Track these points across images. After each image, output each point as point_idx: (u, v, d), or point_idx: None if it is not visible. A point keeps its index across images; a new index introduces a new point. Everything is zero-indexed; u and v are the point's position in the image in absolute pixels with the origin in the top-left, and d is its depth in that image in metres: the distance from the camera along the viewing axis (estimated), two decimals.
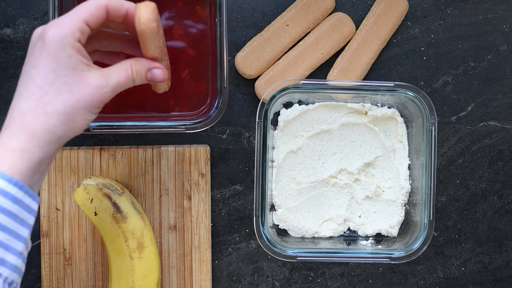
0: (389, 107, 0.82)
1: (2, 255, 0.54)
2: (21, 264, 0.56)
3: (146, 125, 0.76)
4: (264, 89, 0.80)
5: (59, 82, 0.57)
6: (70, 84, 0.57)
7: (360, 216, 0.82)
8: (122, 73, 0.60)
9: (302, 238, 0.81)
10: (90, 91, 0.58)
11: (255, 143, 0.78)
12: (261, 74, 0.82)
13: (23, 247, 0.56)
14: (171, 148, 0.81)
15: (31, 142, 0.56)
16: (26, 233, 0.56)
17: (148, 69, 0.63)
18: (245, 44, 0.82)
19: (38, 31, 0.59)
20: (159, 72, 0.63)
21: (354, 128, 0.82)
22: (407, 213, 0.81)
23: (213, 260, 0.83)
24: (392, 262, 0.77)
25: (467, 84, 0.84)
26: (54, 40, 0.57)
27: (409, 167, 0.81)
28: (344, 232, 0.83)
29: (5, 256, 0.54)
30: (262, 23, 0.83)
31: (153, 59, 0.63)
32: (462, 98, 0.84)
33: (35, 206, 0.57)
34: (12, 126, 0.57)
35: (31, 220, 0.57)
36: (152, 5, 0.59)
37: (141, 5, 0.59)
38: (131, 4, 0.61)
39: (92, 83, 0.58)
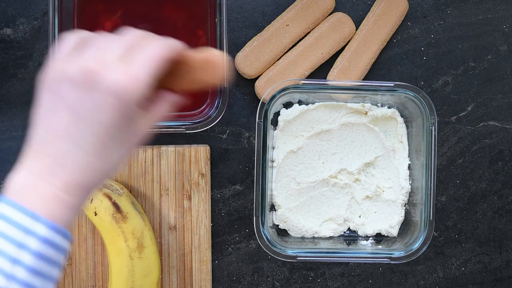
0: (389, 107, 0.82)
1: None
2: None
3: None
4: (264, 89, 0.80)
5: (120, 137, 0.54)
6: (127, 138, 0.55)
7: (360, 216, 0.82)
8: (159, 115, 0.58)
9: (302, 238, 0.81)
10: (138, 140, 0.56)
11: (255, 143, 0.78)
12: (261, 74, 0.82)
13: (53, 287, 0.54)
14: (171, 148, 0.81)
15: (86, 197, 0.54)
16: (57, 273, 0.54)
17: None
18: (245, 44, 0.82)
19: (100, 73, 0.51)
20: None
21: (354, 128, 0.82)
22: (407, 213, 0.81)
23: (213, 260, 0.83)
24: (392, 262, 0.77)
25: (467, 84, 0.84)
26: (131, 102, 0.52)
27: (409, 167, 0.81)
28: (344, 232, 0.83)
29: None
30: (262, 23, 0.83)
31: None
32: (462, 98, 0.84)
33: (68, 247, 0.54)
34: (70, 182, 0.53)
35: (63, 259, 0.54)
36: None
37: (220, 58, 0.58)
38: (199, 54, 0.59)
39: (142, 133, 0.56)
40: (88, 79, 0.51)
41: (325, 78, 0.82)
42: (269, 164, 0.79)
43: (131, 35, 0.54)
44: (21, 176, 0.53)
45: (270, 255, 0.80)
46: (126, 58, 0.52)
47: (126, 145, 0.55)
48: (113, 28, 0.78)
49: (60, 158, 0.53)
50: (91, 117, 0.52)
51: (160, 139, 0.82)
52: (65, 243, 0.53)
